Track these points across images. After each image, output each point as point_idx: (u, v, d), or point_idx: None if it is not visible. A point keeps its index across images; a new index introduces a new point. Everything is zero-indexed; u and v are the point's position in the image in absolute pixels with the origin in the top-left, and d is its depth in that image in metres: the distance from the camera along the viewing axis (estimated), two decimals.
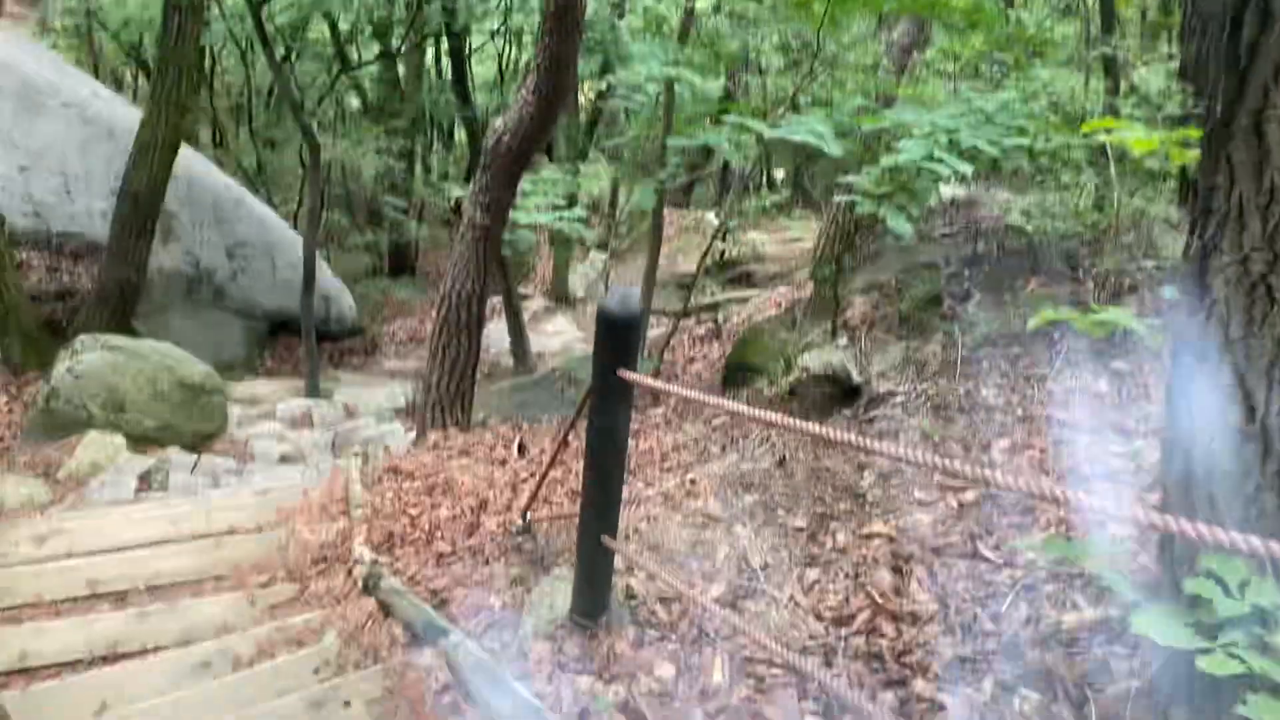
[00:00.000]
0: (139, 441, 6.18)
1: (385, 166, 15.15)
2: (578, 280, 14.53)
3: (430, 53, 18.61)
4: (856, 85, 7.96)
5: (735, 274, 13.40)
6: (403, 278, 16.68)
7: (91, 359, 6.29)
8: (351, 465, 5.14)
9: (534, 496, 3.77)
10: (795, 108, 7.73)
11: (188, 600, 3.99)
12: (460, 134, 24.67)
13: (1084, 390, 3.63)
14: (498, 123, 4.94)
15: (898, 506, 3.40)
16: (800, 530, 3.38)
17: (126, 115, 10.02)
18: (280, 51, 12.56)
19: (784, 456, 3.92)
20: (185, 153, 9.10)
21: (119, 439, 6.04)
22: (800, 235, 15.00)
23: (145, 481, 5.72)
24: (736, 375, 6.14)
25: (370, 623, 3.53)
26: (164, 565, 4.24)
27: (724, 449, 4.44)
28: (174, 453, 6.23)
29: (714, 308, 10.43)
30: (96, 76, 14.26)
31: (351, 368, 11.35)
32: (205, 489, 5.73)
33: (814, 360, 4.44)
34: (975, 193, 7.94)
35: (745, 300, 10.61)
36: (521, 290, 12.69)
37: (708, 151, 11.40)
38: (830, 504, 3.51)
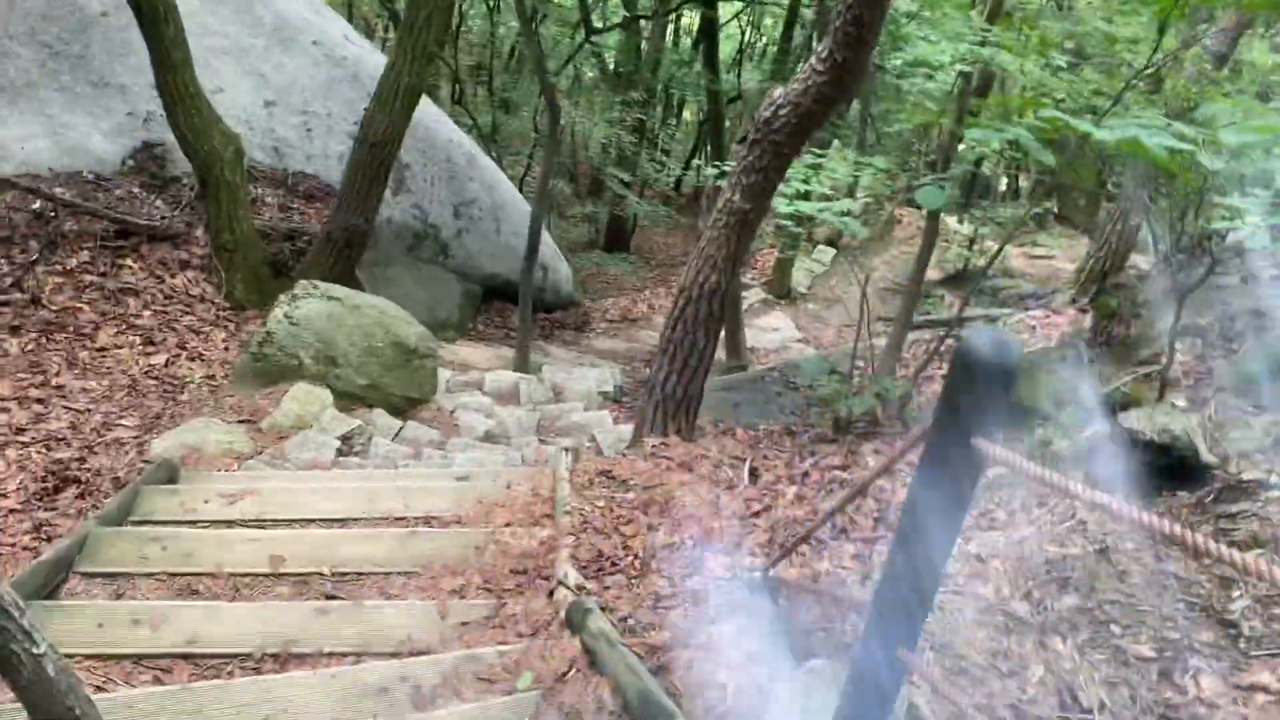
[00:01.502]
0: (345, 399, 5.91)
1: (614, 137, 14.77)
2: (801, 275, 13.65)
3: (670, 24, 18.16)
4: (1164, 91, 6.81)
5: (977, 288, 12.22)
6: (617, 253, 16.34)
7: (310, 306, 6.05)
8: (560, 461, 4.61)
9: (785, 552, 3.06)
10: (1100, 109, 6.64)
11: (372, 599, 3.55)
12: (688, 112, 24.25)
13: None
14: (776, 93, 4.21)
15: None
16: (1147, 661, 2.53)
17: (373, 61, 9.94)
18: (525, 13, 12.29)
19: (1106, 545, 3.04)
20: (424, 105, 8.89)
21: (326, 394, 5.77)
22: (1052, 252, 13.60)
23: (348, 444, 5.42)
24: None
25: (573, 673, 2.93)
26: (352, 550, 3.84)
27: (1011, 515, 3.59)
28: (379, 415, 5.92)
29: (956, 323, 9.37)
30: (350, 22, 14.53)
31: (562, 342, 10.98)
32: (405, 460, 5.37)
33: (1142, 422, 3.51)
34: None
35: (993, 320, 9.50)
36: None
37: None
38: (1185, 629, 2.63)
